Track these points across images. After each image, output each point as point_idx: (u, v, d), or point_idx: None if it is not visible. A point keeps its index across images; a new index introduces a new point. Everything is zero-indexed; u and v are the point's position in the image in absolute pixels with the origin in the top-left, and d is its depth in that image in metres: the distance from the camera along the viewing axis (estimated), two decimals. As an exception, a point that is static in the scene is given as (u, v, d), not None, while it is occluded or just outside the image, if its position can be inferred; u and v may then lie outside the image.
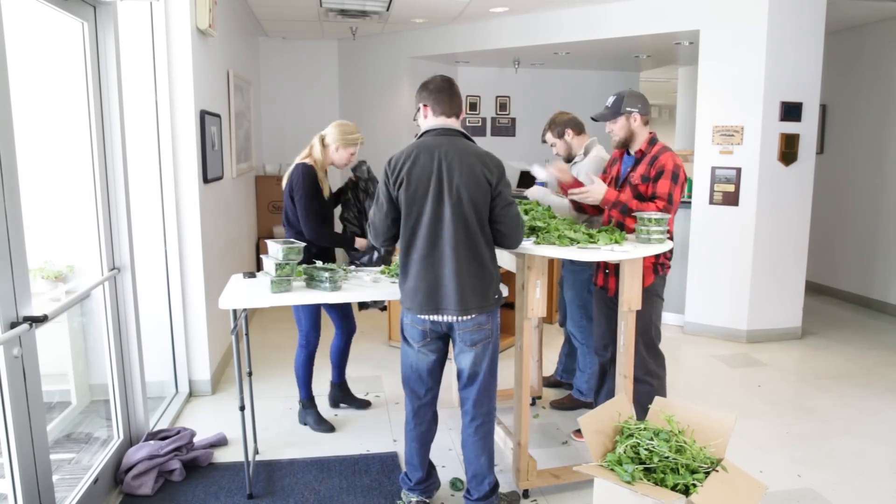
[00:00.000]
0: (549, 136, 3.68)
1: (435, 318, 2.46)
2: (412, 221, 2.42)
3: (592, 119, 3.32)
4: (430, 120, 2.49)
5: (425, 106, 2.50)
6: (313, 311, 3.38)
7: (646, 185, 2.99)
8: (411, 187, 2.38)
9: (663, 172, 2.95)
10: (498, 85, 7.85)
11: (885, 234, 5.99)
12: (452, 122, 2.48)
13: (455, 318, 2.43)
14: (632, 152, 3.09)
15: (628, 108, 3.01)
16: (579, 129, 3.63)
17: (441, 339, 2.56)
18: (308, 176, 3.23)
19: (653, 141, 3.06)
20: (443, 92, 2.47)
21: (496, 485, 2.63)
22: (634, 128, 3.03)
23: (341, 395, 3.75)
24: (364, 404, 3.75)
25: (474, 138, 2.54)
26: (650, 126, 3.12)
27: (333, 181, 3.56)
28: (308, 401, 3.52)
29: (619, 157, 3.19)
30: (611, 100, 3.07)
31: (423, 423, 2.67)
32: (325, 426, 3.47)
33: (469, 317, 2.44)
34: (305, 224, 3.23)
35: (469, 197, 2.36)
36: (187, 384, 3.94)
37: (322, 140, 3.31)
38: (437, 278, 2.41)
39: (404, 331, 2.60)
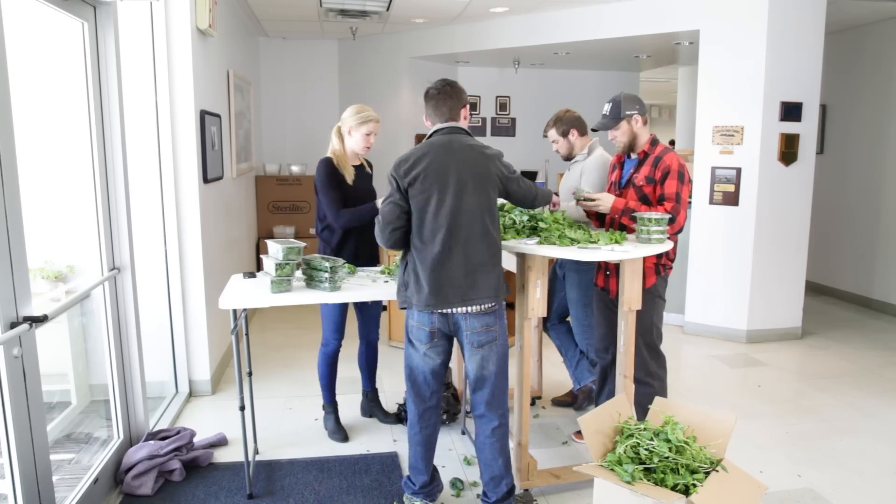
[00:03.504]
0: (553, 133, 3.59)
1: (446, 311, 2.46)
2: (429, 216, 2.44)
3: (593, 129, 3.30)
4: (432, 126, 2.61)
5: (426, 117, 2.64)
6: (333, 313, 3.32)
7: (651, 186, 2.97)
8: (427, 182, 2.42)
9: (669, 173, 2.94)
10: (498, 85, 7.85)
11: (885, 234, 5.98)
12: (453, 123, 2.57)
13: (470, 308, 2.44)
14: (634, 154, 3.08)
15: (628, 112, 2.99)
16: (583, 130, 3.57)
17: (447, 341, 2.56)
18: (324, 167, 3.22)
19: (654, 142, 3.05)
20: (429, 101, 2.60)
21: (513, 486, 2.62)
22: (637, 130, 3.02)
23: (367, 404, 3.67)
24: (390, 419, 3.61)
25: (475, 138, 2.60)
26: (652, 126, 3.11)
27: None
28: (328, 405, 3.48)
29: (617, 164, 3.18)
30: (608, 107, 3.05)
31: (429, 426, 2.67)
32: (339, 436, 3.41)
33: (479, 308, 2.45)
34: (329, 213, 3.21)
35: (489, 187, 2.47)
36: (187, 384, 3.94)
37: (338, 131, 3.30)
38: (460, 270, 2.43)
39: (410, 333, 2.59)
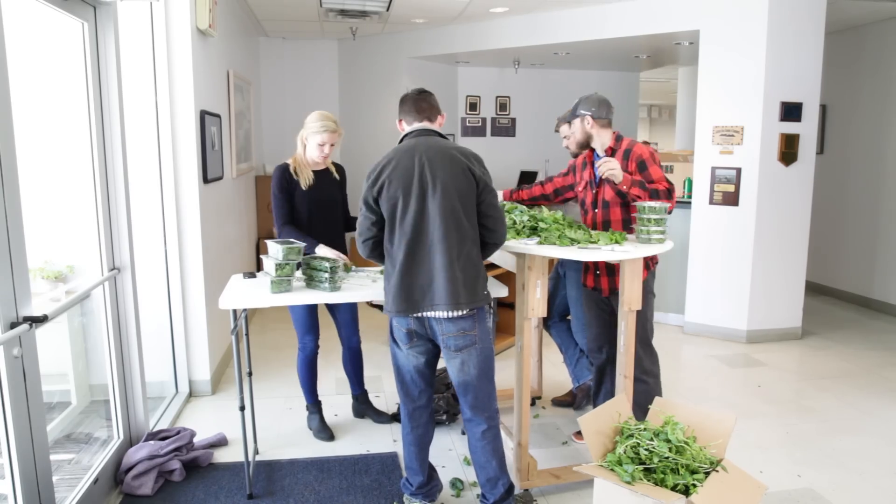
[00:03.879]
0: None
1: (420, 315, 2.44)
2: (397, 222, 2.42)
3: (559, 120, 3.54)
4: (405, 130, 2.59)
5: (400, 121, 2.61)
6: (302, 315, 3.33)
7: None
8: (392, 189, 2.39)
9: (645, 161, 2.98)
10: (498, 85, 7.84)
11: (885, 234, 5.98)
12: (426, 125, 2.55)
13: (444, 313, 2.40)
14: (601, 153, 3.11)
15: (581, 111, 3.07)
16: None
17: (428, 341, 2.55)
18: (276, 176, 3.24)
19: (619, 138, 3.10)
20: (406, 103, 2.58)
21: (511, 486, 2.61)
22: (588, 130, 3.07)
23: (359, 406, 3.68)
24: (384, 418, 3.62)
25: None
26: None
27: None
28: (312, 406, 3.49)
29: (589, 161, 3.18)
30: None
31: (420, 425, 2.67)
32: (325, 434, 3.43)
33: (456, 314, 2.40)
34: (275, 223, 3.25)
35: (455, 188, 2.39)
36: (187, 384, 3.94)
37: (301, 137, 3.30)
38: (426, 275, 2.40)
39: (393, 332, 2.59)
